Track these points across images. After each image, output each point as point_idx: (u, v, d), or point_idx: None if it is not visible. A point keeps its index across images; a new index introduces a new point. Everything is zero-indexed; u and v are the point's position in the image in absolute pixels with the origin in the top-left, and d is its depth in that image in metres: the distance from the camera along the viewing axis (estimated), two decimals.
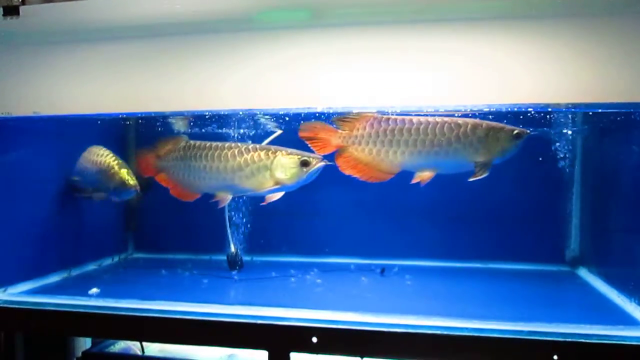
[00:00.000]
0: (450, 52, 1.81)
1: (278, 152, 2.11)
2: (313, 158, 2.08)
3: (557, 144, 2.65)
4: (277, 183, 2.09)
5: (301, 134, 2.12)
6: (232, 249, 2.79)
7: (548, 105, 1.80)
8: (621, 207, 2.27)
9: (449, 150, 2.03)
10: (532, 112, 2.00)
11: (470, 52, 1.79)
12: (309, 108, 1.98)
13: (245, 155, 2.09)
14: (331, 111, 2.02)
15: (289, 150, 2.12)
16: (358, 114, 2.05)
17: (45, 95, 2.10)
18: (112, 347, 2.35)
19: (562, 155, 2.66)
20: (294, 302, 2.09)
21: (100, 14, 1.93)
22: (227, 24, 1.93)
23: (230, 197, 2.22)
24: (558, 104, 1.79)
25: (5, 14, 1.98)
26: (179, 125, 2.70)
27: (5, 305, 2.13)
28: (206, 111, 2.08)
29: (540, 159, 2.44)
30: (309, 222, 2.90)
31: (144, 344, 2.29)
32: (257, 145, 2.14)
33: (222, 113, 2.21)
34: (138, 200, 3.15)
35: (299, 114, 2.21)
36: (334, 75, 1.88)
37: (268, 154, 2.10)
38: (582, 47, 1.73)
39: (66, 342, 2.38)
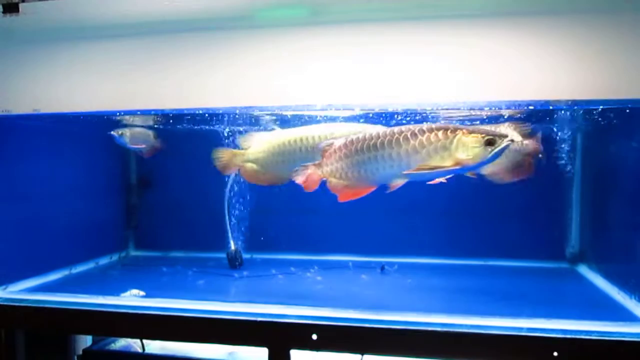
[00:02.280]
0: (453, 49, 1.80)
1: (458, 130, 1.92)
2: (498, 136, 1.90)
3: (558, 140, 2.65)
4: (457, 164, 1.91)
5: None
6: (232, 246, 2.79)
7: (549, 102, 1.80)
8: (621, 203, 2.27)
9: None
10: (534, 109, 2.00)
11: (474, 48, 1.78)
12: (307, 106, 1.97)
13: (421, 137, 1.92)
14: (333, 109, 2.01)
15: (470, 127, 1.94)
16: None
17: (45, 93, 2.10)
18: (112, 344, 2.35)
19: (562, 152, 2.66)
20: (294, 300, 2.09)
21: (99, 11, 1.92)
22: (225, 22, 1.93)
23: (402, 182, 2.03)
24: (558, 101, 1.79)
25: (5, 11, 1.97)
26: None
27: (6, 303, 2.14)
28: (203, 109, 2.07)
29: (540, 155, 2.43)
30: (309, 219, 2.90)
31: (145, 341, 2.29)
32: (433, 125, 1.96)
33: (215, 111, 2.20)
34: (139, 199, 3.17)
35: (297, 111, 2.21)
36: (333, 72, 1.88)
37: (447, 134, 1.91)
38: (586, 43, 1.72)
39: (67, 340, 2.39)
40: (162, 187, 3.05)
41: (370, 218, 2.84)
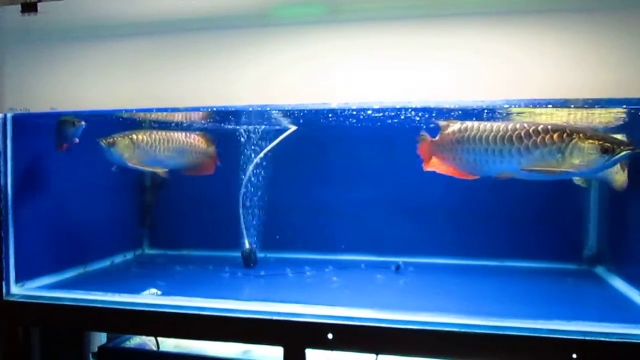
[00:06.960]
0: (465, 48, 1.77)
1: (574, 134, 1.84)
2: (617, 144, 1.79)
3: None
4: (570, 168, 1.86)
5: None
6: (247, 245, 2.80)
7: (568, 101, 1.77)
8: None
9: None
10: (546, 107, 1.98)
11: (491, 47, 1.76)
12: (323, 104, 1.97)
13: (535, 138, 1.87)
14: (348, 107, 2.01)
15: (588, 132, 1.85)
16: None
17: (63, 92, 2.11)
18: (127, 342, 2.36)
19: None
20: (309, 299, 2.08)
21: (118, 10, 1.93)
22: (242, 20, 1.92)
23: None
24: (568, 99, 1.76)
25: (23, 11, 1.99)
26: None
27: (22, 300, 2.16)
28: (221, 107, 2.07)
29: None
30: (324, 219, 2.89)
31: (160, 339, 2.29)
32: (549, 126, 1.90)
33: (236, 109, 2.20)
34: (153, 197, 3.19)
35: (313, 111, 2.20)
36: (349, 71, 1.87)
37: (562, 137, 1.84)
38: (595, 41, 1.69)
39: (82, 337, 2.40)
40: (177, 186, 3.05)
41: (385, 218, 2.83)
